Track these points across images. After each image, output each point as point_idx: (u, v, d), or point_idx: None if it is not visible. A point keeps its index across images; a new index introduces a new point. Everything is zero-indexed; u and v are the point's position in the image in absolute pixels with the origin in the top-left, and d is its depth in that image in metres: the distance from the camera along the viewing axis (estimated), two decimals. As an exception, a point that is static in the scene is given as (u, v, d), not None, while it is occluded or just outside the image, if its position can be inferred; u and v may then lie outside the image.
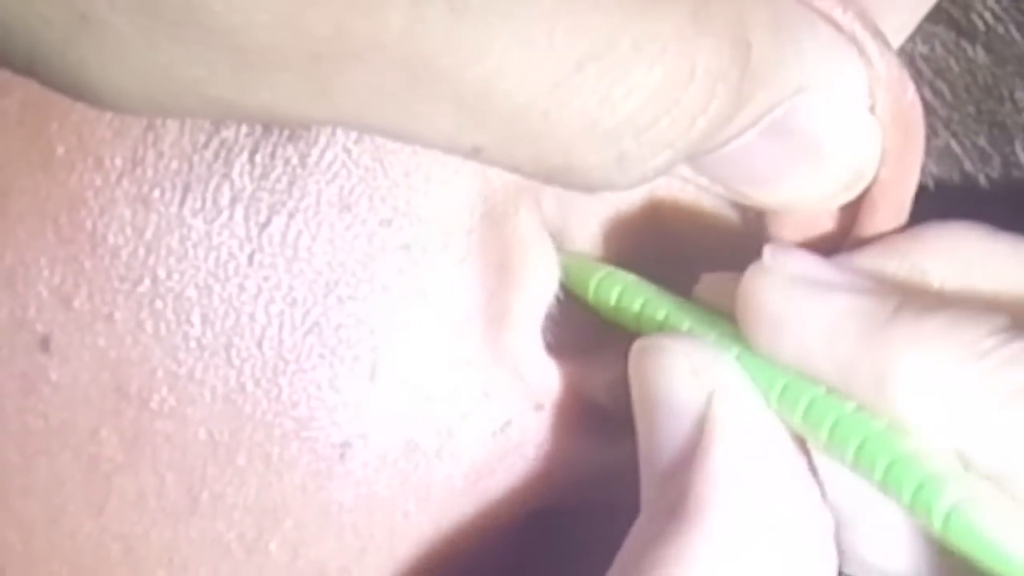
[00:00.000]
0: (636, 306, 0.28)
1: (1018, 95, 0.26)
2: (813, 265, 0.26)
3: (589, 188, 0.24)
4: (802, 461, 0.26)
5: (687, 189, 0.28)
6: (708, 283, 0.28)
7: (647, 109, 0.23)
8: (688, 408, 0.26)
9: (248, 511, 0.28)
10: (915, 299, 0.25)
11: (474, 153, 0.23)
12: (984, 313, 0.24)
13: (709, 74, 0.23)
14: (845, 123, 0.26)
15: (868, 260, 0.27)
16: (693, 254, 0.29)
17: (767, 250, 0.26)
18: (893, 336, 0.24)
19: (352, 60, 0.22)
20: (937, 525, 0.23)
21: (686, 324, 0.27)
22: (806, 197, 0.27)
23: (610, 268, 0.28)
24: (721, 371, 0.26)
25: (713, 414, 0.26)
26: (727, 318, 0.26)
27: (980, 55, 0.26)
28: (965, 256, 0.26)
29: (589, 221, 0.29)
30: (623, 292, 0.28)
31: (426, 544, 0.28)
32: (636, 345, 0.27)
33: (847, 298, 0.25)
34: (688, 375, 0.26)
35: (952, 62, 0.26)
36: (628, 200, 0.28)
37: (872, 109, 0.26)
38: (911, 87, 0.26)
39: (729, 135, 0.25)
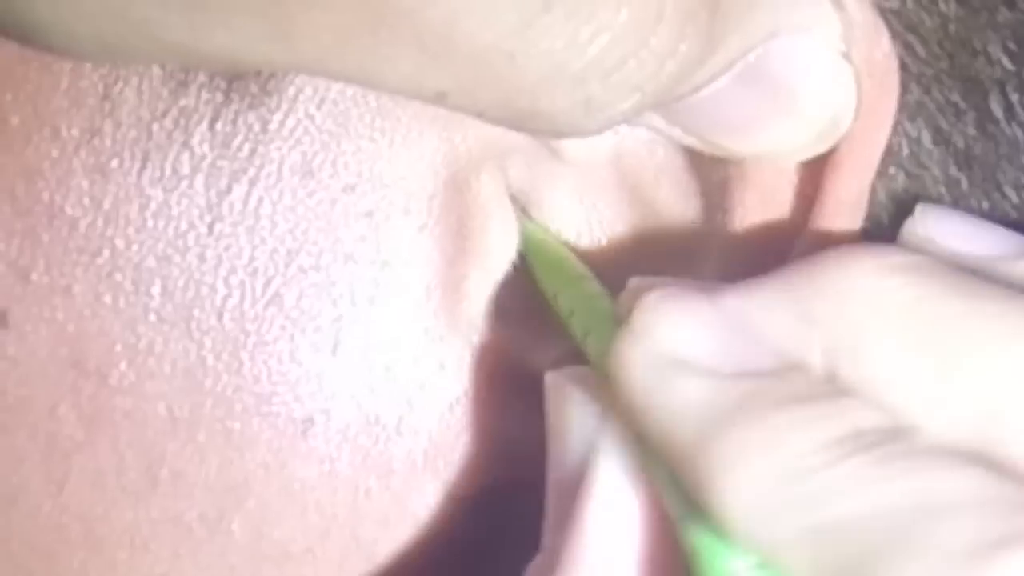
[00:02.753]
0: (565, 312, 0.27)
1: (991, 48, 0.25)
2: (679, 325, 0.24)
3: (556, 133, 0.24)
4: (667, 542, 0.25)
5: (656, 154, 0.28)
6: (631, 291, 0.26)
7: (614, 51, 0.22)
8: (576, 457, 0.25)
9: (209, 490, 0.27)
10: (766, 385, 0.23)
11: (438, 98, 0.23)
12: (828, 414, 0.22)
13: (678, 14, 0.23)
14: (820, 69, 0.25)
15: (762, 300, 0.24)
16: (661, 218, 0.28)
17: (632, 286, 0.25)
18: (716, 449, 0.22)
19: (310, 1, 0.21)
20: None
21: (598, 349, 0.25)
22: (781, 146, 0.26)
23: (554, 254, 0.27)
24: (606, 427, 0.25)
25: (590, 479, 0.25)
26: None
27: (952, 8, 0.25)
28: (855, 306, 0.24)
29: (557, 186, 0.28)
30: (558, 291, 0.27)
31: (389, 523, 0.28)
32: (547, 378, 0.26)
33: (693, 387, 0.23)
34: (579, 423, 0.25)
35: (924, 16, 0.25)
36: (596, 164, 0.28)
37: (847, 56, 0.25)
38: (886, 37, 0.25)
39: (701, 80, 0.24)
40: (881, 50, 0.25)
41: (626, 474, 0.25)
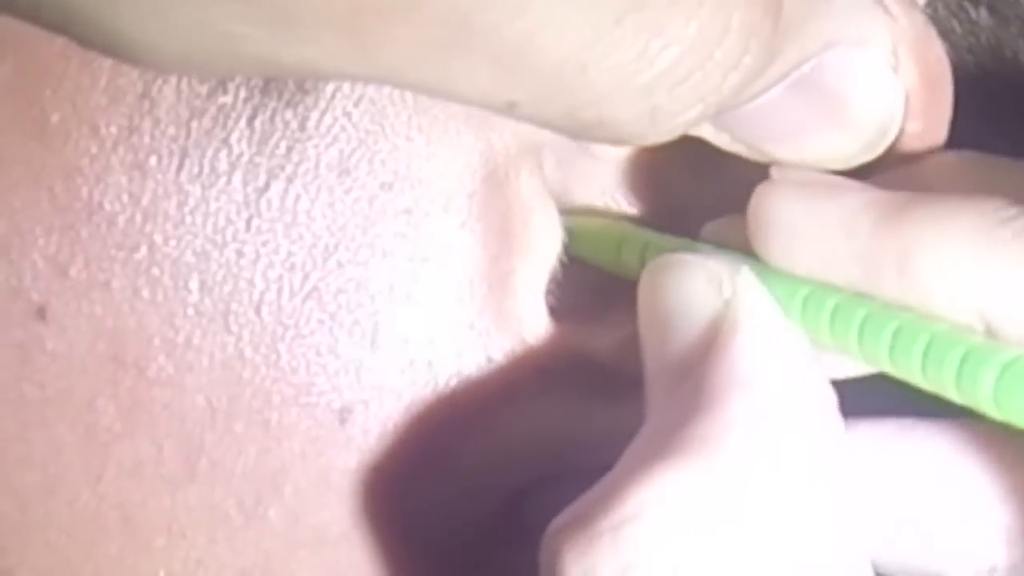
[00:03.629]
0: (639, 249, 0.27)
1: (1022, 57, 0.26)
2: (822, 176, 0.26)
3: (619, 141, 0.24)
4: (820, 370, 0.25)
5: (691, 150, 0.28)
6: (712, 229, 0.28)
7: (682, 63, 0.23)
8: (704, 315, 0.26)
9: (247, 478, 0.28)
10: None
11: (508, 109, 0.23)
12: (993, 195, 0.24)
13: (743, 28, 0.23)
14: (870, 81, 0.26)
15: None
16: (695, 216, 0.29)
17: (775, 169, 0.26)
18: (911, 216, 0.24)
19: (394, 16, 0.22)
20: (988, 392, 0.22)
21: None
22: (829, 154, 0.27)
23: (609, 220, 0.28)
24: (739, 281, 0.26)
25: (733, 312, 0.25)
26: (734, 254, 0.26)
27: (983, 16, 0.26)
28: (969, 176, 0.26)
29: (590, 183, 0.28)
30: (625, 240, 0.28)
31: (428, 511, 0.28)
32: (649, 266, 0.27)
33: (862, 194, 0.25)
34: (705, 284, 0.26)
35: (955, 24, 0.26)
36: (630, 162, 0.28)
37: (895, 68, 0.26)
38: (937, 44, 0.26)
39: (757, 90, 0.25)
40: (933, 56, 0.26)
41: (775, 316, 0.25)
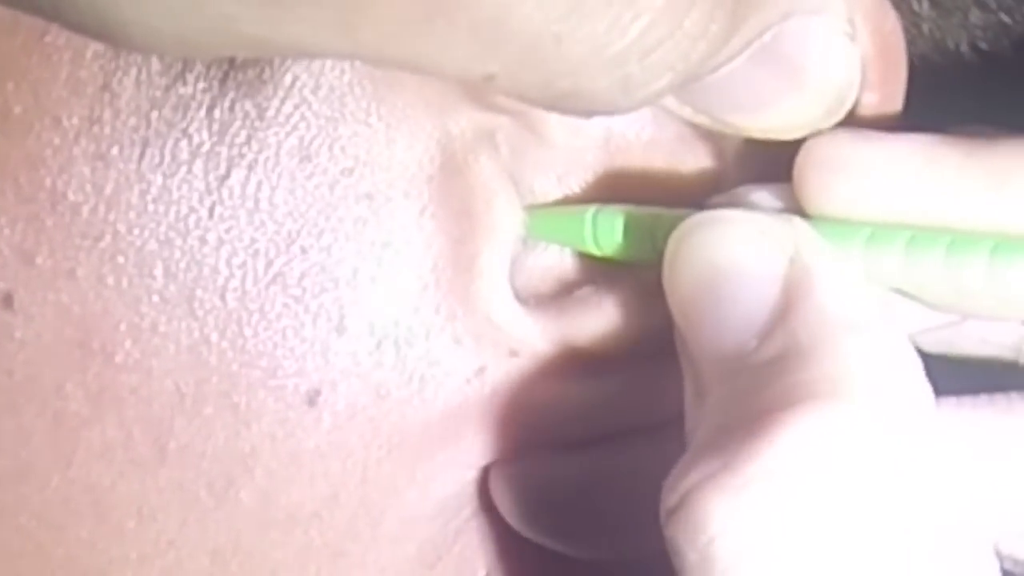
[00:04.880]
0: (647, 223, 0.27)
1: (964, 48, 0.27)
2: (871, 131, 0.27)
3: (593, 112, 0.25)
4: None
5: (644, 132, 0.29)
6: (722, 200, 0.28)
7: (652, 32, 0.23)
8: (767, 269, 0.26)
9: (217, 460, 0.28)
10: None
11: (485, 81, 0.24)
12: None
13: None
14: (828, 46, 0.26)
15: None
16: (646, 197, 0.29)
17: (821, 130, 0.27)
18: (1006, 145, 0.25)
19: None
20: None
21: None
22: (790, 122, 0.27)
23: (595, 205, 0.28)
24: (795, 231, 0.26)
25: (802, 262, 0.25)
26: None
27: (925, 8, 0.27)
28: None
29: (545, 171, 0.29)
30: (627, 218, 0.28)
31: (398, 492, 0.29)
32: (683, 226, 0.27)
33: (936, 134, 0.26)
34: (758, 239, 0.26)
35: (897, 15, 0.27)
36: (583, 148, 0.29)
37: (852, 36, 0.26)
38: (892, 15, 0.27)
39: (721, 60, 0.25)
40: (888, 27, 0.27)
41: (844, 267, 0.26)
